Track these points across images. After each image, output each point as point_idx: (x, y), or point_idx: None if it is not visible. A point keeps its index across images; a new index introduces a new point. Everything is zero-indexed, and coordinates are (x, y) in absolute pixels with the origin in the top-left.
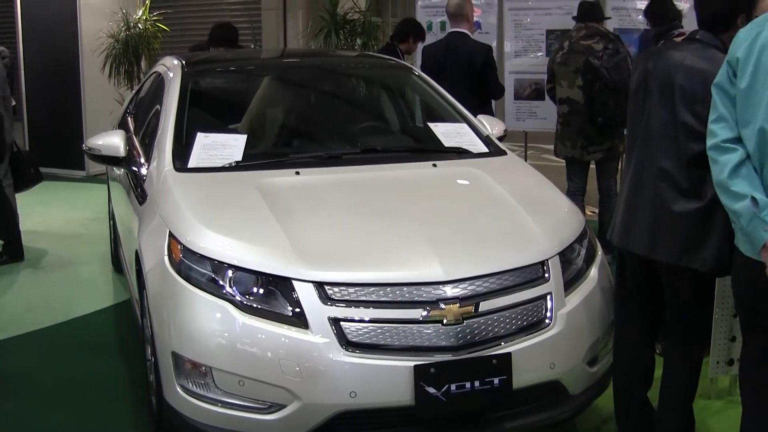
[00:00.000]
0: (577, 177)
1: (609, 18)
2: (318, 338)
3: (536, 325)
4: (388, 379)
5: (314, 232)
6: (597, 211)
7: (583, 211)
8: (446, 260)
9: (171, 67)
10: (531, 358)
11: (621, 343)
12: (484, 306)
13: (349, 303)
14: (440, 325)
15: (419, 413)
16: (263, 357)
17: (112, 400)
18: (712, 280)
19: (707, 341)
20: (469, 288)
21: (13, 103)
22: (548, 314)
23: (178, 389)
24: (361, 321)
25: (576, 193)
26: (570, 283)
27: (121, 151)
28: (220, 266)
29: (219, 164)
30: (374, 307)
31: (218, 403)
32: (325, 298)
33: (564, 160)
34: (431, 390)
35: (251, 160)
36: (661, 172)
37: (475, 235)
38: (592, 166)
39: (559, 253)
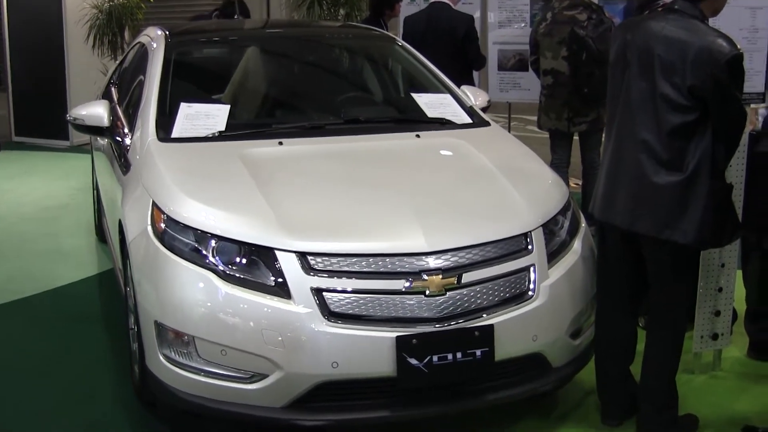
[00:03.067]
0: (561, 149)
1: None
2: (300, 308)
3: (519, 297)
4: (370, 350)
5: (297, 203)
6: (581, 183)
7: (567, 183)
8: (429, 231)
9: (154, 38)
10: (513, 330)
11: (603, 316)
12: (466, 277)
13: (332, 273)
14: (423, 296)
15: (401, 384)
16: (245, 327)
17: (94, 370)
18: (695, 252)
19: (690, 315)
20: (451, 259)
21: None
22: (531, 286)
23: (161, 358)
24: (344, 291)
25: (560, 165)
26: (553, 255)
27: (105, 121)
28: (203, 236)
29: (202, 134)
30: (357, 278)
31: (201, 372)
32: (308, 269)
33: (548, 132)
34: (413, 361)
35: (234, 130)
36: (641, 144)
37: (459, 206)
38: (576, 138)
39: (542, 225)
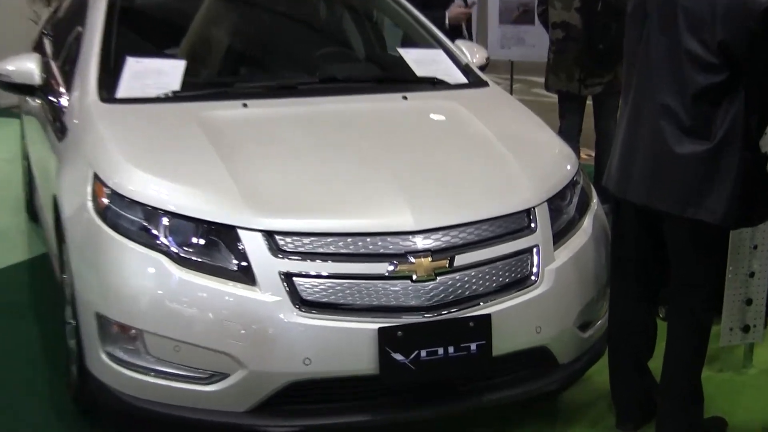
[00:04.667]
0: (572, 115)
1: None
2: (267, 296)
3: (520, 282)
4: (348, 344)
5: (264, 174)
6: (593, 154)
7: (578, 154)
8: (417, 207)
9: None
10: (514, 321)
11: (618, 305)
12: (460, 260)
13: (304, 256)
14: (409, 281)
15: (384, 383)
16: (203, 318)
17: (23, 371)
18: (723, 233)
19: (718, 304)
20: (442, 239)
21: None
22: (534, 270)
23: (103, 356)
24: (318, 276)
25: (569, 133)
26: (560, 236)
27: (36, 78)
28: (153, 213)
29: (153, 94)
30: (333, 261)
31: (150, 373)
32: (276, 250)
33: (557, 95)
34: (398, 356)
35: (191, 90)
36: (662, 109)
37: (451, 179)
38: (589, 102)
39: (547, 201)
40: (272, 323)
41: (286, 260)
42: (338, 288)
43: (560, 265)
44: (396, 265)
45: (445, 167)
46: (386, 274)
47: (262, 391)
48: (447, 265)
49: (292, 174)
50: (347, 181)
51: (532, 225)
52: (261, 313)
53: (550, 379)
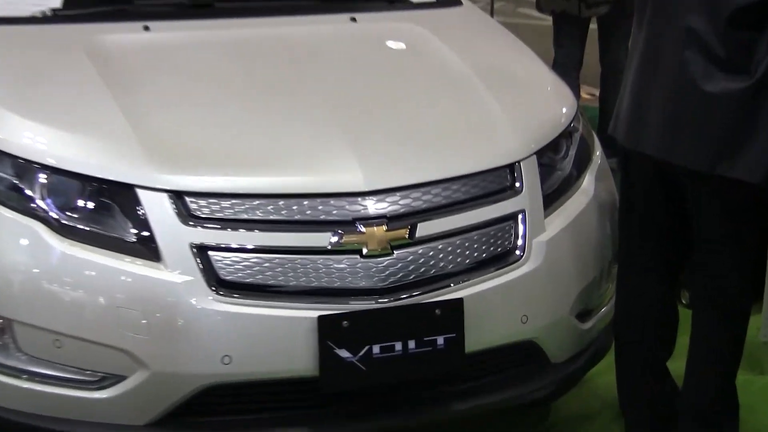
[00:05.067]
0: (570, 42)
1: None
2: (175, 276)
3: (501, 258)
4: (279, 338)
5: (171, 117)
6: (597, 93)
7: (577, 93)
8: (368, 160)
9: None
10: (493, 308)
11: (627, 288)
12: (423, 229)
13: (223, 223)
14: (358, 256)
15: (326, 388)
16: (92, 304)
17: None
18: (763, 196)
19: (757, 287)
20: (401, 202)
21: None
22: (519, 243)
23: None
24: (240, 250)
25: (566, 66)
26: (552, 198)
27: None
28: (26, 167)
29: (25, 13)
30: (259, 230)
31: (22, 375)
32: (186, 216)
33: (551, 17)
34: (344, 353)
35: (76, 8)
36: (687, 35)
37: (411, 126)
38: (593, 26)
39: (536, 153)
40: (181, 310)
41: (199, 229)
42: (266, 265)
43: (552, 237)
44: (341, 236)
45: (403, 110)
46: (328, 248)
47: (168, 398)
48: (406, 236)
49: (208, 118)
50: (278, 127)
51: (517, 185)
52: (167, 297)
53: (540, 382)
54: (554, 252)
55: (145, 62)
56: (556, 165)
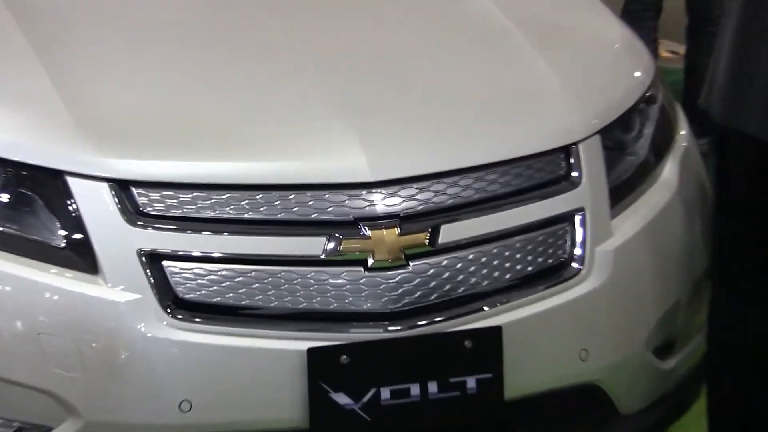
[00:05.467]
0: None
1: None
2: (117, 293)
3: (553, 273)
4: (255, 377)
5: (114, 83)
6: (682, 51)
7: (654, 51)
8: (375, 141)
9: None
10: (542, 339)
11: (725, 314)
12: (448, 233)
13: (182, 223)
14: (362, 269)
15: None
16: (6, 330)
17: None
18: None
19: None
20: (419, 197)
21: None
22: (576, 253)
23: None
24: (205, 259)
25: (642, 17)
26: (622, 192)
27: None
28: None
29: None
30: (231, 232)
31: None
32: (134, 213)
33: None
34: (342, 399)
35: None
36: None
37: (434, 95)
38: None
39: (600, 132)
40: (125, 340)
41: (150, 231)
42: (239, 280)
43: (622, 244)
44: (339, 241)
45: (423, 74)
46: (322, 257)
47: None
48: (426, 242)
49: (164, 83)
50: (256, 95)
51: (574, 174)
52: (106, 321)
53: None
54: (624, 265)
55: (79, 10)
56: (626, 148)
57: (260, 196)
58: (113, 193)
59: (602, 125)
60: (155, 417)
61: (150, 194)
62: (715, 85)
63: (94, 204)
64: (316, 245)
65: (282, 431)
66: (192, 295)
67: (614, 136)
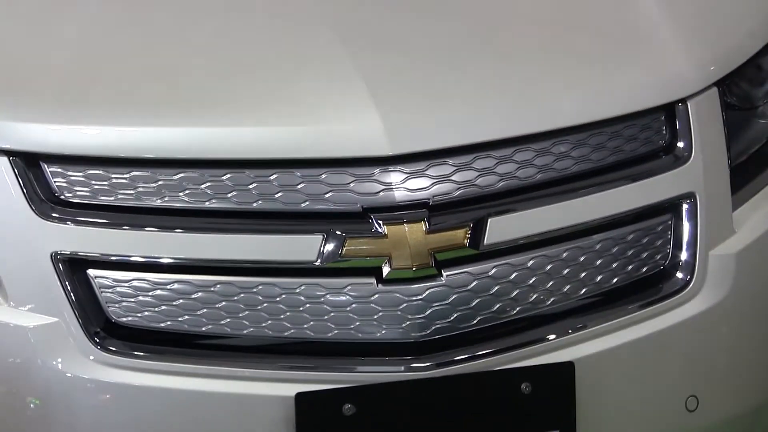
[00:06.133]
0: None
1: None
2: (23, 315)
3: (647, 287)
4: None
5: (19, 17)
6: None
7: None
8: (395, 100)
9: None
10: (631, 382)
11: None
12: (498, 229)
13: (115, 216)
14: (374, 281)
15: None
16: None
17: None
18: None
19: None
20: (456, 178)
21: None
22: (683, 257)
23: None
24: (149, 267)
25: None
26: (749, 172)
27: None
28: None
29: None
30: (185, 229)
31: None
32: (45, 201)
33: None
34: None
35: None
36: None
37: (485, 35)
38: None
39: (717, 84)
40: (36, 381)
41: (70, 226)
42: (198, 296)
43: (748, 246)
44: (341, 240)
45: (472, 2)
46: (317, 264)
47: None
48: (466, 242)
49: (91, 18)
50: (226, 33)
51: (680, 144)
52: (8, 356)
53: None
54: (751, 275)
55: None
56: (755, 108)
57: (228, 176)
58: (16, 171)
59: (721, 75)
60: None
61: (69, 174)
62: None
63: None
64: (308, 247)
65: None
66: (130, 318)
67: (739, 91)
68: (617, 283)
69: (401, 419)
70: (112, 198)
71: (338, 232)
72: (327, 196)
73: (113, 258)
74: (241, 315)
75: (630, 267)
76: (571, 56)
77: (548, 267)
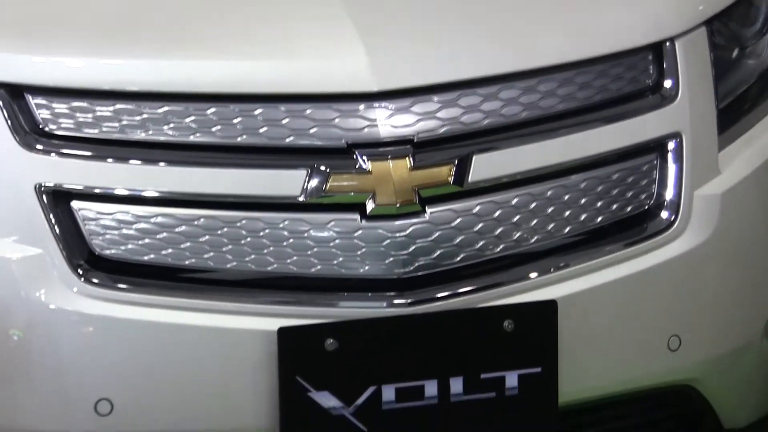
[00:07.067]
0: None
1: None
2: (7, 247)
3: (632, 226)
4: (202, 368)
5: None
6: None
7: None
8: (380, 35)
9: None
10: (614, 320)
11: None
12: (482, 166)
13: (100, 148)
14: (357, 217)
15: None
16: None
17: None
18: None
19: None
20: (441, 114)
21: None
22: (668, 196)
23: None
24: (133, 200)
25: None
26: (735, 113)
27: None
28: None
29: None
30: (169, 162)
31: None
32: (29, 133)
33: None
34: (326, 400)
35: None
36: None
37: None
38: None
39: (706, 23)
40: (19, 314)
41: (54, 158)
42: (182, 230)
43: (733, 186)
44: (325, 176)
45: None
46: (301, 199)
47: None
48: (451, 179)
49: None
50: None
51: (667, 83)
52: None
53: None
54: (736, 215)
55: None
56: (744, 48)
57: (213, 110)
58: (0, 103)
59: (710, 14)
60: (61, 423)
61: (54, 106)
62: None
63: None
64: (292, 182)
65: None
66: (114, 251)
67: (727, 31)
68: (601, 222)
69: (383, 355)
70: (96, 131)
71: (322, 168)
72: (311, 131)
73: (97, 190)
74: (224, 249)
75: (614, 206)
76: None
77: (532, 205)
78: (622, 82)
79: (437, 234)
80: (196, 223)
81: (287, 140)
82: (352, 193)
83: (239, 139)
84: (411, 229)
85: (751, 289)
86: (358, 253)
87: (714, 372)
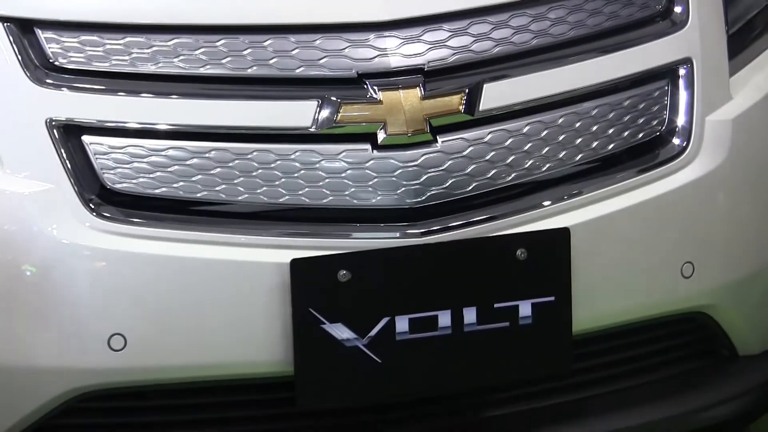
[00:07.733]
0: None
1: None
2: (18, 182)
3: (643, 153)
4: (215, 301)
5: None
6: None
7: None
8: None
9: None
10: (627, 248)
11: None
12: (493, 95)
13: (110, 82)
14: (369, 147)
15: (305, 399)
16: None
17: None
18: None
19: None
20: (452, 43)
21: None
22: (679, 122)
23: None
24: (143, 134)
25: None
26: (746, 39)
27: None
28: None
29: None
30: (179, 95)
31: None
32: (39, 67)
33: None
34: (340, 332)
35: None
36: None
37: None
38: None
39: None
40: (31, 248)
41: (65, 92)
42: (193, 163)
43: (745, 112)
44: (336, 106)
45: None
46: (311, 130)
47: (10, 414)
48: (462, 108)
49: None
50: None
51: (677, 9)
52: (3, 223)
53: (720, 392)
54: (748, 141)
55: None
56: None
57: (222, 41)
58: (10, 38)
59: None
60: (74, 358)
61: (64, 40)
62: None
63: None
64: (302, 113)
65: (255, 379)
66: (125, 185)
67: None
68: (613, 149)
69: (396, 286)
70: (106, 64)
71: (333, 98)
72: (322, 61)
73: (108, 124)
74: (236, 181)
75: (626, 133)
76: None
77: (544, 133)
78: (633, 8)
79: (449, 163)
80: (207, 155)
81: (297, 71)
82: (363, 123)
83: (249, 70)
84: (422, 158)
85: (764, 214)
86: (370, 183)
87: (728, 298)
